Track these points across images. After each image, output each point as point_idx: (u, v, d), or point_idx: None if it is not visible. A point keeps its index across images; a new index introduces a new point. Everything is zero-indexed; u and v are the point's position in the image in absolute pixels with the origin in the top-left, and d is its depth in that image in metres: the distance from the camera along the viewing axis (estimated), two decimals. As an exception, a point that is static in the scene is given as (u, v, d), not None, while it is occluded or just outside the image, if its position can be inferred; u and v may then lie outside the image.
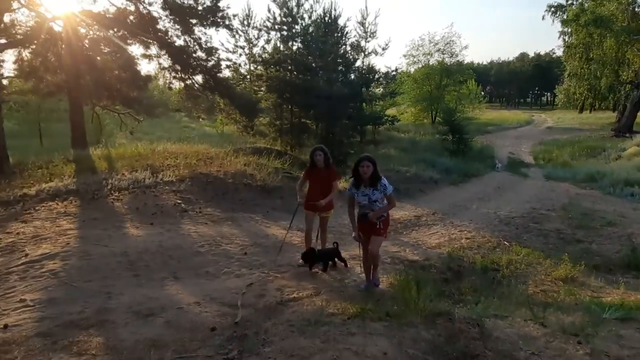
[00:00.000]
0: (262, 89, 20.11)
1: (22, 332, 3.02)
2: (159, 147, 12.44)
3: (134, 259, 4.58)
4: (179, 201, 7.34)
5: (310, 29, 19.79)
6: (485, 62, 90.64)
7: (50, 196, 7.37)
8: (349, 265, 5.22)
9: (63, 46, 10.44)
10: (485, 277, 5.73)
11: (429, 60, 35.54)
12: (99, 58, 10.98)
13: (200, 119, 21.08)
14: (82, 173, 9.24)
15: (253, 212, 7.78)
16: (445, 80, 34.60)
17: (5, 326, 3.11)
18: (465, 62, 37.66)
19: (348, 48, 22.37)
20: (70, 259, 4.50)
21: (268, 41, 20.89)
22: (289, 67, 19.37)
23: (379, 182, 4.18)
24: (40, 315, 3.29)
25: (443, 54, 35.03)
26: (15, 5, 9.73)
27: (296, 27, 19.24)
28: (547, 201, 11.48)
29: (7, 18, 9.58)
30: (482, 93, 47.56)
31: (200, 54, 13.15)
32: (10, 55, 11.36)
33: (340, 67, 21.66)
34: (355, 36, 22.54)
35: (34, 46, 9.92)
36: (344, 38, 21.79)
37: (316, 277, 4.70)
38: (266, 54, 20.45)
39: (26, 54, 10.50)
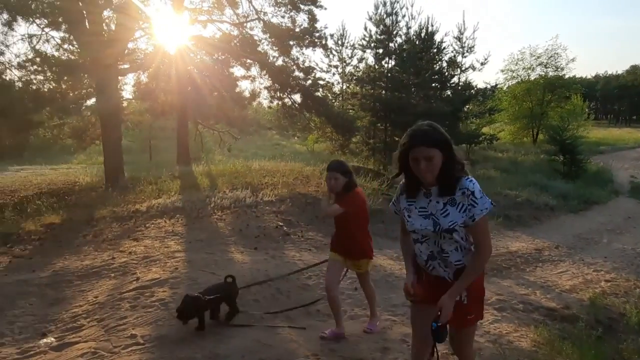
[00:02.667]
0: (355, 107, 19.86)
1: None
2: (255, 164, 12.60)
3: (242, 291, 4.28)
4: (281, 223, 7.09)
5: (406, 46, 19.23)
6: (589, 76, 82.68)
7: (159, 213, 7.55)
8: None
9: (174, 70, 11.00)
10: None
11: (529, 75, 32.92)
12: (206, 80, 11.41)
13: (296, 137, 21.33)
14: (187, 189, 9.50)
15: (355, 237, 7.28)
16: (548, 96, 31.75)
17: (118, 367, 2.89)
18: (568, 76, 34.19)
19: (444, 64, 21.40)
20: (179, 287, 4.32)
21: (361, 59, 20.67)
22: (384, 85, 18.94)
23: (457, 184, 2.01)
24: (150, 357, 3.04)
25: (546, 67, 32.23)
26: (137, 34, 10.51)
27: (391, 44, 18.81)
28: (699, 237, 9.57)
29: (130, 45, 10.33)
30: (587, 109, 42.92)
31: (298, 73, 13.22)
32: (130, 79, 12.33)
33: (435, 84, 20.79)
34: (452, 51, 21.49)
35: (150, 70, 10.55)
36: (440, 54, 20.91)
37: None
38: (360, 73, 20.23)
39: (143, 77, 11.27)
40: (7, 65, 8.66)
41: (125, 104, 11.55)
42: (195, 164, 15.08)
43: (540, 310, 4.97)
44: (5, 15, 7.76)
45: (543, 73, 32.24)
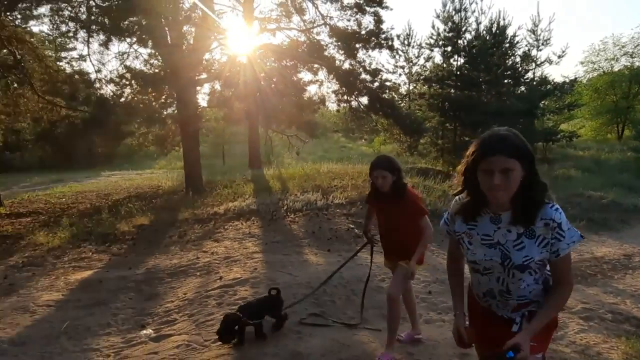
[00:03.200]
0: (423, 107, 19.51)
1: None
2: (323, 167, 12.83)
3: (318, 293, 4.43)
4: (352, 226, 7.19)
5: (476, 42, 18.57)
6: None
7: (235, 215, 7.97)
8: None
9: (246, 77, 11.53)
10: None
11: (612, 66, 30.30)
12: (275, 86, 11.83)
13: (363, 139, 21.39)
14: (260, 192, 9.91)
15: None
16: (635, 88, 29.01)
17: (211, 361, 3.13)
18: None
19: (517, 59, 20.36)
20: (259, 287, 4.56)
21: (429, 58, 20.27)
22: (452, 84, 18.43)
23: (538, 212, 1.62)
24: (234, 357, 3.26)
25: (632, 57, 29.49)
26: (213, 45, 11.18)
27: (459, 41, 18.27)
28: None
29: (206, 56, 11.02)
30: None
31: (364, 76, 13.27)
32: (206, 88, 13.11)
33: (508, 81, 19.85)
34: (526, 45, 20.38)
35: (224, 79, 11.16)
36: (513, 48, 19.93)
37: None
38: (427, 72, 19.85)
39: (218, 86, 11.94)
40: (103, 81, 9.66)
41: (202, 112, 12.27)
42: (266, 167, 15.65)
43: (631, 321, 4.63)
44: (102, 36, 8.67)
45: (628, 64, 29.58)
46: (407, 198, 3.09)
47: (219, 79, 11.34)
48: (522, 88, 20.38)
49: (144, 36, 8.81)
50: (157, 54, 10.11)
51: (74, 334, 3.87)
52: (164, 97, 10.35)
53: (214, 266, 5.40)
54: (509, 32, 19.24)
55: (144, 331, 3.93)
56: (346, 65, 13.30)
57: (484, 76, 17.83)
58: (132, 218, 8.27)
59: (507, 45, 19.33)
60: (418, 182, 10.41)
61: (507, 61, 19.20)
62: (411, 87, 21.38)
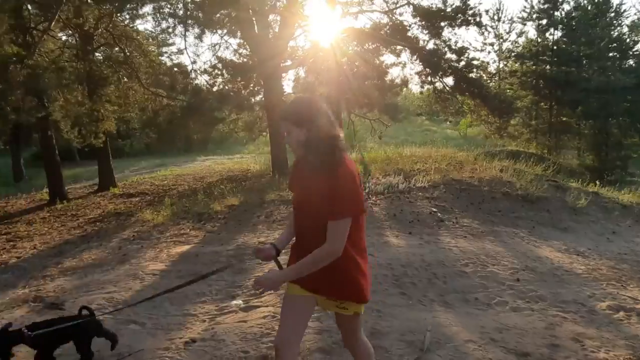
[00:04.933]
0: (514, 86, 18.25)
1: (306, 344, 3.15)
2: (406, 150, 12.62)
3: (399, 274, 4.45)
4: (434, 209, 7.06)
5: (575, 13, 16.85)
6: None
7: (318, 198, 8.20)
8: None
9: (329, 62, 11.66)
10: None
11: None
12: (358, 70, 11.83)
13: (448, 122, 20.65)
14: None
15: (516, 226, 6.84)
16: None
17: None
18: None
19: (624, 29, 18.16)
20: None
21: (521, 33, 18.85)
22: (548, 59, 16.97)
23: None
24: (319, 327, 3.42)
25: None
26: (297, 32, 11.49)
27: (556, 13, 16.70)
28: None
29: (291, 43, 11.36)
30: None
31: (450, 55, 12.72)
32: (290, 75, 13.49)
33: (613, 54, 17.79)
34: (635, 14, 18.12)
35: (308, 65, 11.40)
36: (619, 18, 17.79)
37: (622, 329, 3.59)
38: (519, 48, 18.47)
39: (301, 72, 12.25)
40: (198, 72, 10.46)
41: (287, 98, 12.69)
42: (348, 151, 15.78)
43: None
44: (196, 30, 9.35)
45: None
46: (333, 177, 1.80)
47: (302, 65, 11.62)
48: (630, 61, 18.18)
49: (233, 27, 9.30)
50: (245, 43, 10.63)
51: (175, 300, 4.31)
52: (251, 84, 10.86)
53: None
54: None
55: (235, 301, 4.27)
56: (430, 45, 12.87)
57: (585, 50, 16.20)
58: (224, 199, 8.88)
59: (612, 14, 17.33)
60: (508, 165, 9.85)
61: (612, 32, 17.22)
62: (501, 65, 20.09)
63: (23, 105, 7.78)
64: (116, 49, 11.05)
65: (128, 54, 10.77)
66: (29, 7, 9.63)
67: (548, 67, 16.79)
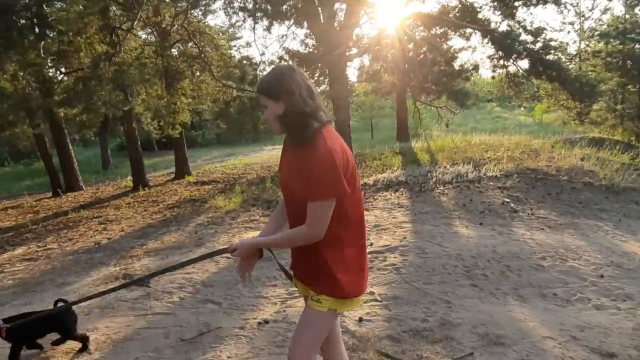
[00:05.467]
0: (597, 68, 16.79)
1: (374, 331, 3.19)
2: (475, 138, 12.15)
3: (469, 265, 4.34)
4: (507, 199, 6.75)
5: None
6: None
7: (384, 186, 8.16)
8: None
9: (395, 49, 11.44)
10: None
11: None
12: (425, 56, 11.50)
13: (522, 108, 19.52)
14: (408, 165, 9.95)
15: (599, 218, 6.36)
16: None
17: (360, 319, 3.38)
18: None
19: None
20: (408, 255, 4.67)
21: (606, 10, 17.25)
22: (637, 38, 15.40)
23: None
24: (387, 314, 3.44)
25: None
26: (362, 20, 11.38)
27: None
28: None
29: (356, 31, 11.28)
30: None
31: (525, 37, 11.96)
32: (355, 63, 13.40)
33: None
34: None
35: (374, 52, 11.28)
36: None
37: None
38: (604, 26, 16.93)
39: (366, 60, 12.14)
40: (266, 63, 10.79)
41: (352, 86, 12.67)
42: (414, 140, 15.48)
43: None
44: (265, 22, 9.60)
45: None
46: (319, 152, 1.69)
47: (368, 53, 11.50)
48: None
49: (299, 18, 9.41)
50: (311, 34, 10.72)
51: (248, 283, 4.53)
52: (317, 74, 10.96)
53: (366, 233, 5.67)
54: None
55: (304, 286, 4.40)
56: (503, 27, 12.15)
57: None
58: (290, 187, 9.12)
59: None
60: (590, 153, 9.16)
61: None
62: (582, 46, 18.52)
63: (111, 100, 8.51)
64: (190, 44, 11.66)
65: (201, 48, 11.32)
66: (114, 8, 10.41)
67: (637, 45, 15.26)
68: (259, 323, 3.49)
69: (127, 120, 11.58)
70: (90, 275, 5.21)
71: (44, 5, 9.15)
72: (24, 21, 9.14)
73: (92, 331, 3.50)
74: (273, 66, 1.82)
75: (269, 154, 18.22)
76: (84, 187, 13.87)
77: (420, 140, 14.97)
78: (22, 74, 8.59)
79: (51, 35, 10.09)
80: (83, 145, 29.99)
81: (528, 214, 6.25)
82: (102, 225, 8.61)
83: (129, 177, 13.74)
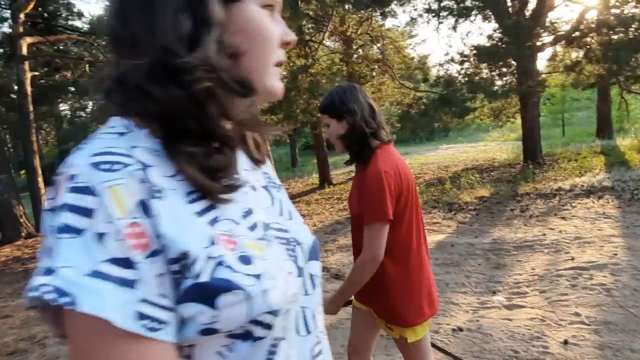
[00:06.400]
0: None
1: (585, 358, 2.99)
2: None
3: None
4: None
5: None
6: None
7: (584, 192, 7.32)
8: None
9: (600, 31, 9.97)
10: None
11: None
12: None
13: None
14: (613, 167, 8.69)
15: None
16: None
17: (566, 342, 3.19)
18: None
19: None
20: (621, 275, 4.16)
21: None
22: None
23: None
24: (598, 340, 3.17)
25: None
26: (557, 2, 10.23)
27: None
28: None
29: (549, 17, 10.20)
30: None
31: None
32: (546, 54, 12.15)
33: None
34: None
35: (571, 39, 10.05)
36: None
37: None
38: None
39: (560, 49, 10.87)
40: (450, 63, 10.62)
41: (543, 79, 11.53)
42: (619, 136, 13.28)
43: None
44: (451, 20, 9.47)
45: None
46: (368, 172, 1.68)
47: (564, 40, 10.28)
48: None
49: (486, 12, 9.00)
50: (498, 28, 10.13)
51: (437, 287, 4.67)
52: (504, 68, 10.32)
53: (563, 245, 5.23)
54: None
55: (497, 297, 4.32)
56: None
57: None
58: (472, 189, 8.85)
59: None
60: None
61: None
62: None
63: (307, 108, 9.58)
64: (373, 48, 12.23)
65: (383, 52, 11.78)
66: (305, 22, 11.61)
67: None
68: (453, 330, 3.60)
69: (316, 124, 12.79)
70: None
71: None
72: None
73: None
74: (340, 85, 1.89)
75: (445, 154, 17.81)
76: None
77: (629, 137, 12.73)
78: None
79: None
80: (275, 145, 34.03)
81: None
82: (297, 219, 9.74)
83: (315, 175, 15.12)
